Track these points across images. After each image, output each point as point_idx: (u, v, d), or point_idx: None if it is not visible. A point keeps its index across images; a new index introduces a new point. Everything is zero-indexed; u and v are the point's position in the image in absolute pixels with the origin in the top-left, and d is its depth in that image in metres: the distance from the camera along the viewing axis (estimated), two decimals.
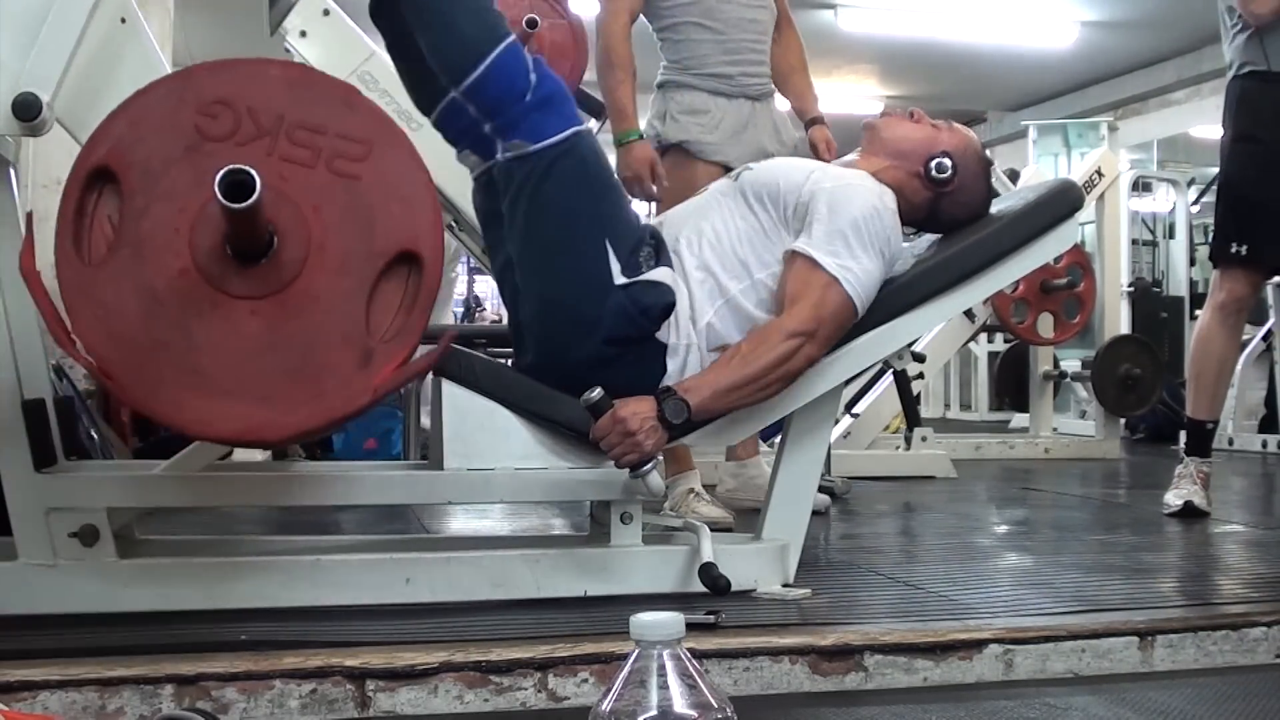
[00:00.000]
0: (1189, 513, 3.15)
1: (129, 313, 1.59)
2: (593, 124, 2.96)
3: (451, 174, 2.99)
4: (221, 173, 1.49)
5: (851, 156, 2.31)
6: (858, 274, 2.00)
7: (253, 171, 1.49)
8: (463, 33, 1.94)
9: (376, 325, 1.65)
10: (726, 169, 2.89)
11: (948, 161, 2.17)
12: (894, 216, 2.09)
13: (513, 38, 1.96)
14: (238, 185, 1.49)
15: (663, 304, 2.01)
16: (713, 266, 2.06)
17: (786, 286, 2.03)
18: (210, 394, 1.60)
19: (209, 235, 1.59)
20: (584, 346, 1.99)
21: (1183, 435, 3.41)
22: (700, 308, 2.04)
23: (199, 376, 1.60)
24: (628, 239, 2.02)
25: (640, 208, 2.81)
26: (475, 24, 1.95)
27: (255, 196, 1.49)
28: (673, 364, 2.03)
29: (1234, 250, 3.13)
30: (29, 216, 1.79)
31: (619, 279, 1.99)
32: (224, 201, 1.48)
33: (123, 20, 1.92)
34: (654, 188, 2.89)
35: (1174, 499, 3.21)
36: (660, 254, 2.05)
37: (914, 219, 2.20)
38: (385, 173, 1.66)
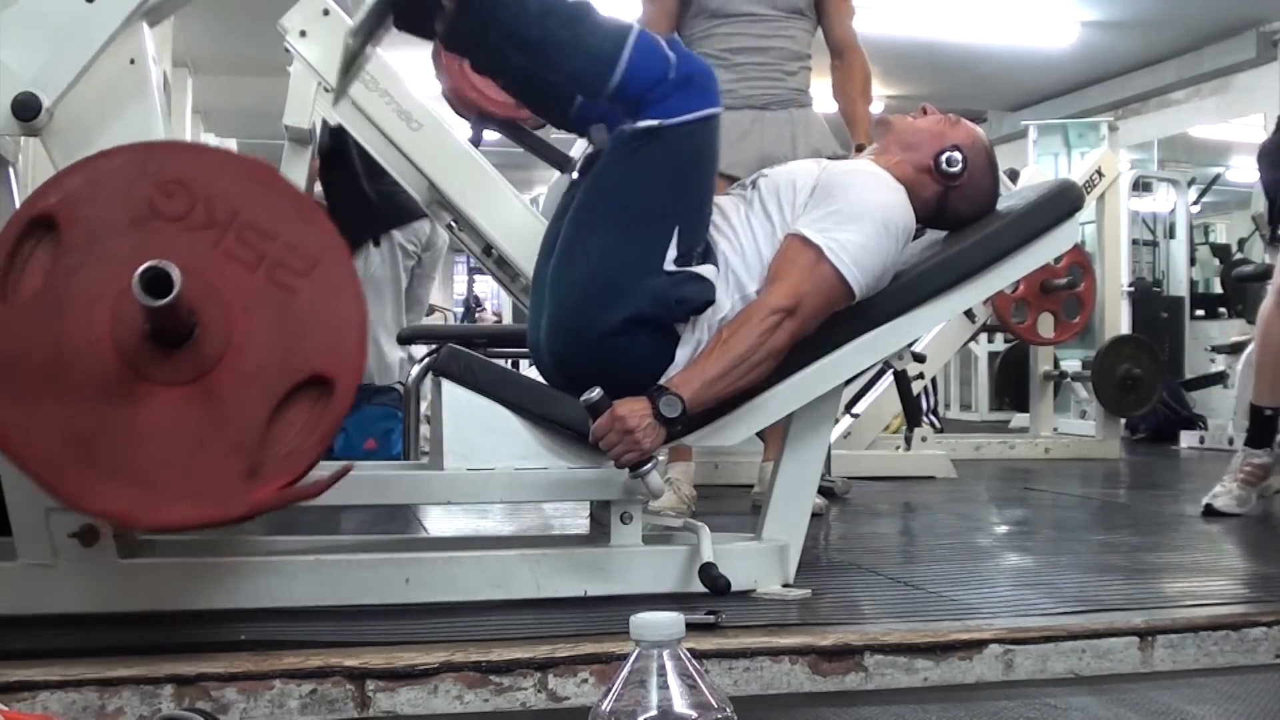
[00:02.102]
0: (1209, 514, 3.12)
1: (30, 361, 1.56)
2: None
3: (452, 174, 2.99)
4: (142, 268, 1.47)
5: (867, 155, 2.30)
6: (845, 245, 1.97)
7: (173, 270, 1.47)
8: (588, 48, 1.93)
9: (273, 441, 1.61)
10: (722, 175, 2.93)
11: (958, 155, 2.16)
12: (903, 197, 2.08)
13: (639, 28, 1.94)
14: (157, 280, 1.47)
15: (701, 300, 1.99)
16: (733, 263, 2.05)
17: (773, 265, 2.02)
18: (91, 466, 1.56)
19: (131, 311, 1.55)
20: (609, 317, 1.96)
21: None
22: (719, 302, 2.03)
23: (83, 446, 1.56)
24: (693, 235, 2.00)
25: None
26: (596, 33, 1.94)
27: (172, 296, 1.47)
28: (682, 354, 2.01)
29: (1278, 232, 3.12)
30: None
31: (669, 265, 1.97)
32: (142, 296, 1.47)
33: (131, 61, 1.89)
34: None
35: (1206, 499, 3.17)
36: (709, 254, 2.04)
37: (923, 215, 2.19)
38: (323, 293, 1.64)
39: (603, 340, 1.96)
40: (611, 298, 1.96)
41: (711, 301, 2.00)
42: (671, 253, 1.97)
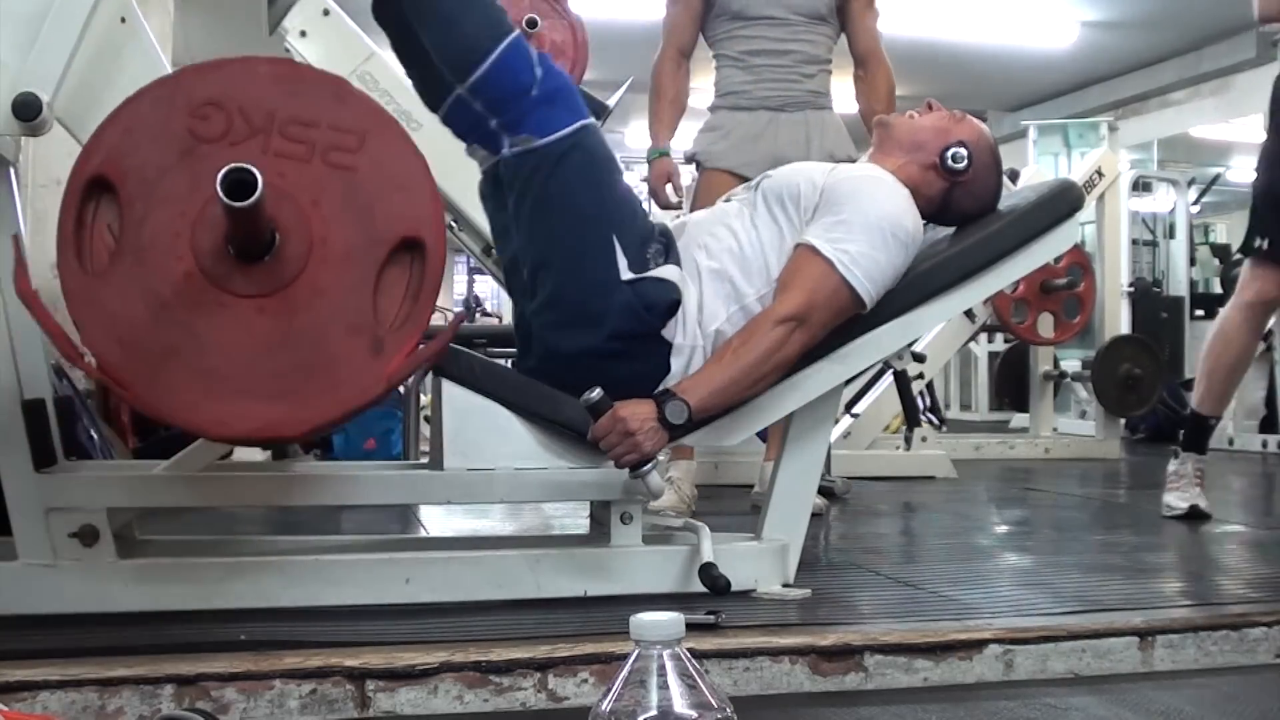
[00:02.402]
0: (1194, 516, 3.13)
1: (137, 320, 1.59)
2: None
3: (452, 174, 2.99)
4: (223, 172, 1.49)
5: (864, 157, 2.30)
6: (856, 258, 1.98)
7: (254, 169, 1.49)
8: (466, 30, 1.94)
9: (384, 314, 1.65)
10: (734, 175, 2.95)
11: (963, 151, 2.16)
12: (910, 204, 2.08)
13: (516, 33, 1.95)
14: (239, 184, 1.49)
15: (668, 301, 2.00)
16: (730, 271, 2.05)
17: (783, 275, 2.02)
18: (225, 394, 1.60)
19: (210, 237, 1.59)
20: (588, 340, 1.98)
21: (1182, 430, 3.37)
22: (712, 311, 2.03)
23: (212, 378, 1.60)
24: (635, 235, 2.01)
25: (665, 216, 2.98)
26: (478, 21, 1.95)
27: (258, 194, 1.49)
28: (677, 363, 2.02)
29: (1256, 245, 3.08)
30: (15, 239, 1.79)
31: (625, 274, 1.98)
32: (227, 201, 1.49)
33: (123, 20, 1.92)
34: (672, 198, 3.16)
35: (1177, 501, 3.18)
36: (669, 252, 2.05)
37: (928, 211, 2.18)
38: (381, 162, 1.66)
39: (593, 362, 1.97)
40: (586, 323, 1.98)
41: (678, 301, 2.01)
42: (622, 261, 1.98)
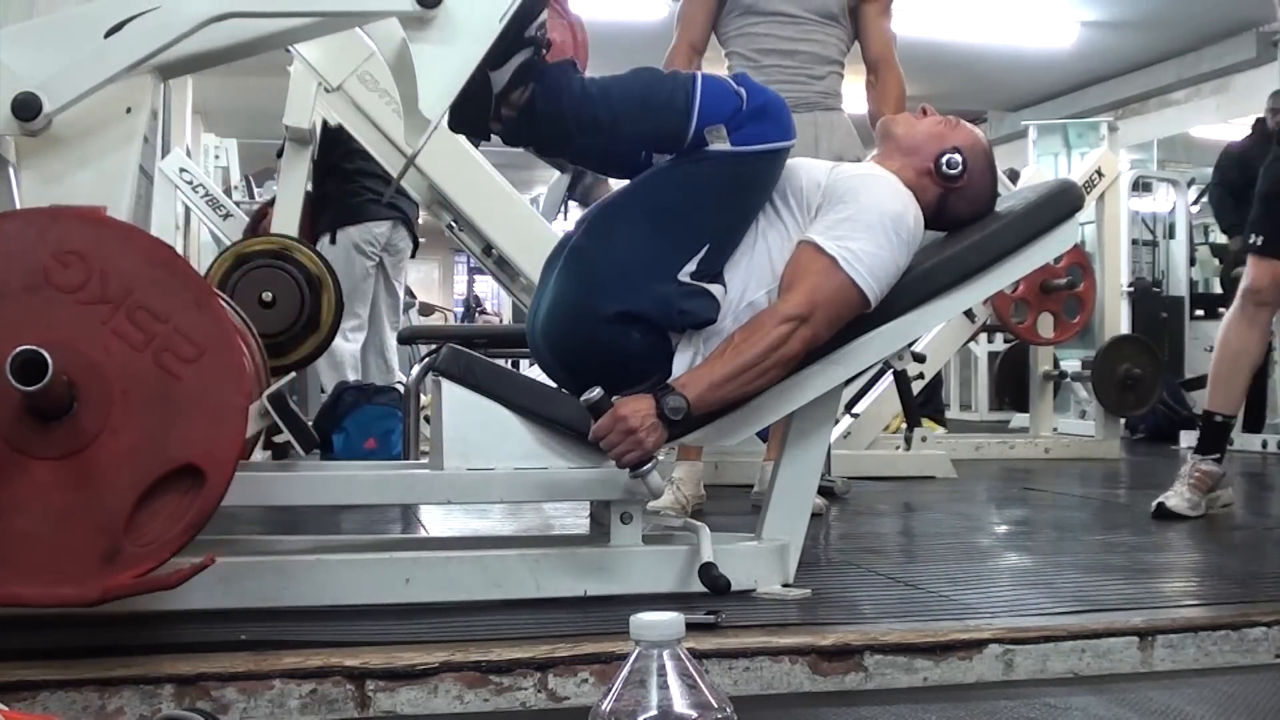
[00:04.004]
0: (1161, 515, 3.12)
1: None
2: None
3: (452, 174, 2.99)
4: (14, 352, 1.47)
5: (869, 158, 2.30)
6: (859, 255, 1.97)
7: (46, 356, 1.47)
8: (658, 110, 1.96)
9: (137, 527, 1.59)
10: None
11: (958, 157, 2.16)
12: (912, 202, 2.08)
13: (699, 74, 1.99)
14: (32, 364, 1.47)
15: (704, 317, 2.00)
16: (740, 269, 2.05)
17: (786, 273, 2.03)
18: None
19: (8, 381, 1.53)
20: (609, 303, 1.97)
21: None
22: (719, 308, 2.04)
23: None
24: (719, 256, 2.02)
25: None
26: (662, 93, 1.98)
27: (44, 382, 1.47)
28: (680, 358, 2.01)
29: (1251, 240, 3.18)
30: None
31: (684, 275, 1.98)
32: (12, 379, 1.47)
33: (128, 111, 1.87)
34: None
35: (1158, 499, 3.18)
36: (719, 275, 2.04)
37: (923, 218, 2.19)
38: (206, 382, 1.62)
39: (598, 325, 1.97)
40: (619, 287, 1.97)
41: (713, 321, 2.01)
42: (691, 266, 1.99)
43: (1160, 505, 3.15)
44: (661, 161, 2.02)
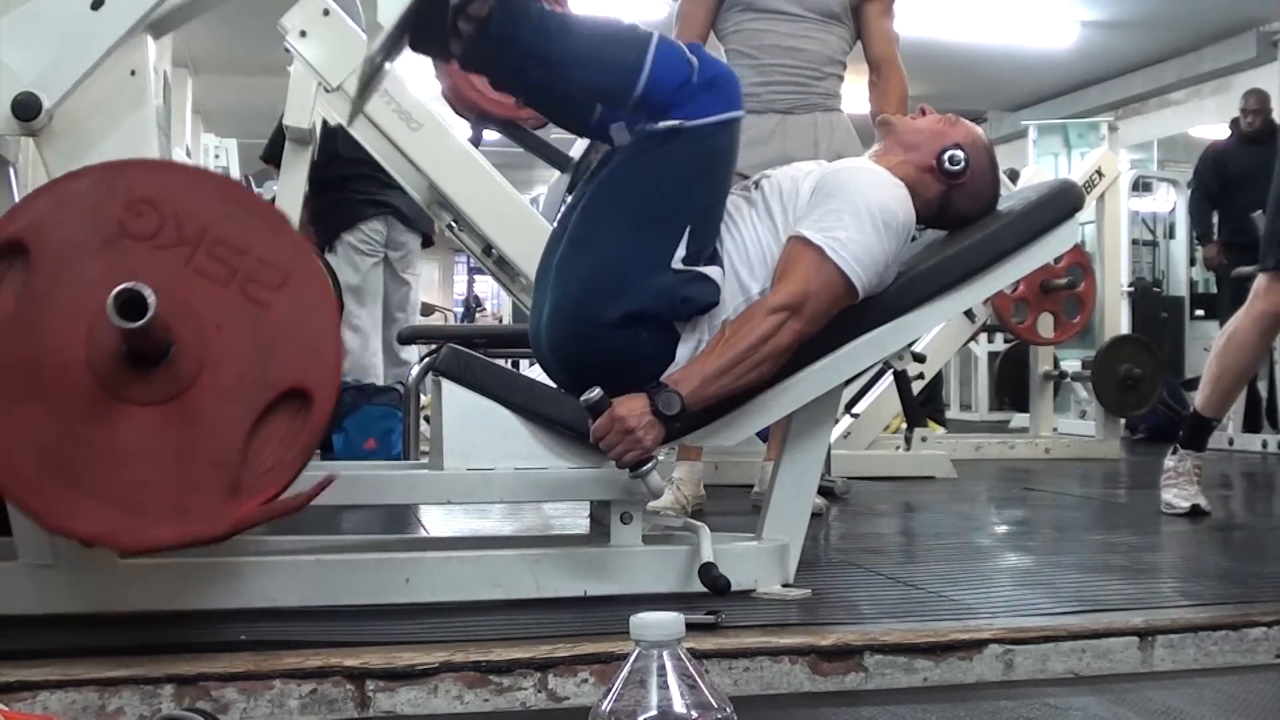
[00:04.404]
0: (1195, 514, 3.14)
1: (5, 383, 1.56)
2: None
3: (452, 174, 3.00)
4: (116, 290, 1.47)
5: (868, 154, 2.30)
6: (848, 246, 1.97)
7: (148, 294, 1.47)
8: (609, 61, 1.94)
9: (253, 456, 1.61)
10: (743, 177, 2.95)
11: (960, 153, 2.16)
12: (902, 192, 2.07)
13: (657, 35, 1.95)
14: (133, 302, 1.47)
15: (705, 301, 1.99)
16: (736, 266, 2.04)
17: (776, 267, 2.02)
18: (71, 486, 1.56)
19: (107, 332, 1.55)
20: (612, 308, 1.95)
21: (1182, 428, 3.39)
22: (721, 303, 2.03)
23: (66, 469, 1.56)
24: (704, 236, 2.00)
25: None
26: (617, 44, 1.95)
27: (146, 318, 1.47)
28: (682, 352, 2.01)
29: (1275, 263, 3.10)
30: None
31: (677, 264, 1.97)
32: (115, 318, 1.47)
33: (132, 73, 1.88)
34: None
35: (1177, 500, 3.19)
36: (715, 255, 2.04)
37: (925, 215, 2.18)
38: (296, 306, 1.64)
39: (604, 331, 1.96)
40: (617, 290, 1.96)
41: (715, 303, 2.00)
42: (680, 251, 1.97)
43: (1195, 506, 3.16)
44: (619, 154, 2.00)
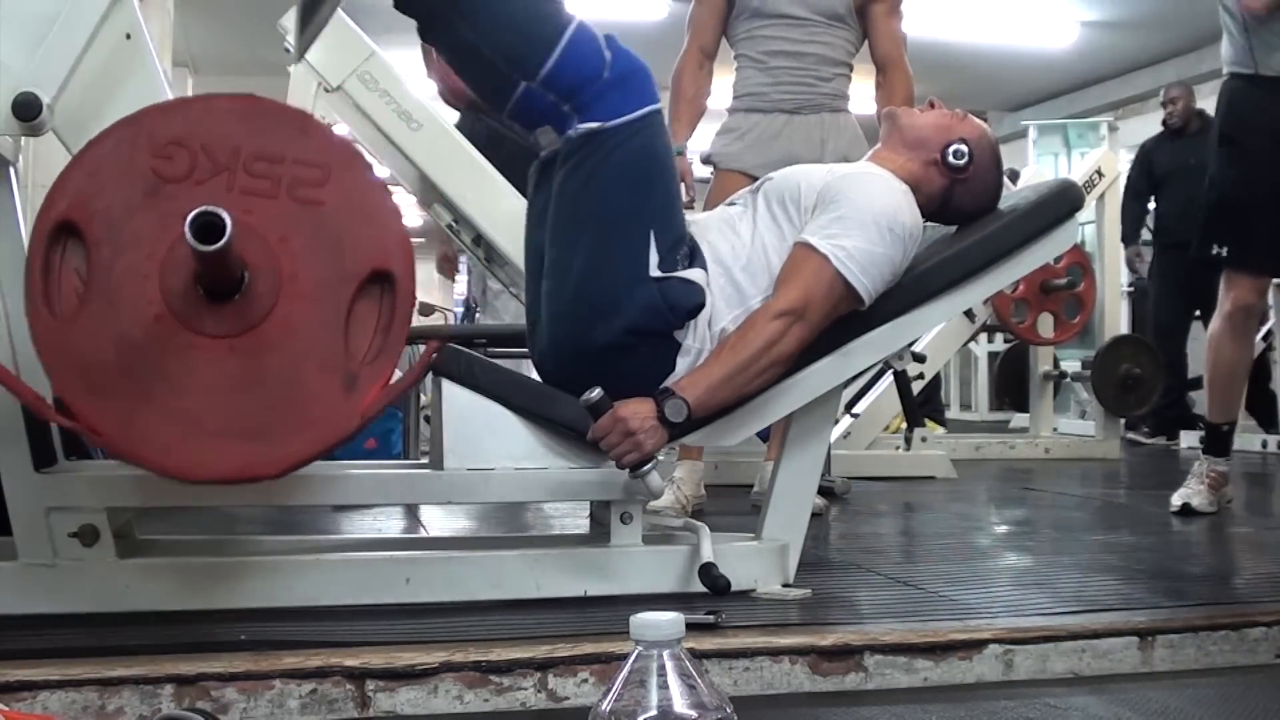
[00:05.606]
0: (1186, 513, 3.21)
1: (107, 364, 1.58)
2: None
3: (452, 174, 2.99)
4: (191, 216, 1.48)
5: (871, 152, 2.30)
6: (851, 252, 1.97)
7: (222, 212, 1.48)
8: (527, 28, 1.93)
9: (355, 348, 1.64)
10: (749, 177, 2.96)
11: (965, 148, 2.16)
12: (909, 199, 2.07)
13: (578, 20, 1.95)
14: (208, 227, 1.48)
15: (692, 304, 1.99)
16: (735, 273, 2.05)
17: (780, 273, 2.02)
18: (200, 436, 1.59)
19: (179, 278, 1.58)
20: (604, 331, 1.96)
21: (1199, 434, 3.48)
22: (718, 312, 2.03)
23: (186, 420, 1.59)
24: (671, 234, 2.00)
25: None
26: (538, 15, 1.94)
27: (227, 237, 1.48)
28: (683, 363, 2.01)
29: (1214, 252, 3.16)
30: None
31: (654, 271, 1.97)
32: (197, 245, 1.48)
33: (128, 36, 1.89)
34: (684, 197, 3.11)
35: (1176, 499, 3.27)
36: (695, 256, 2.03)
37: (928, 209, 2.18)
38: (347, 195, 1.65)
39: (603, 353, 1.96)
40: (605, 312, 1.96)
41: (702, 304, 2.00)
42: (653, 257, 1.97)
43: (1185, 505, 3.22)
44: (557, 172, 1.99)
